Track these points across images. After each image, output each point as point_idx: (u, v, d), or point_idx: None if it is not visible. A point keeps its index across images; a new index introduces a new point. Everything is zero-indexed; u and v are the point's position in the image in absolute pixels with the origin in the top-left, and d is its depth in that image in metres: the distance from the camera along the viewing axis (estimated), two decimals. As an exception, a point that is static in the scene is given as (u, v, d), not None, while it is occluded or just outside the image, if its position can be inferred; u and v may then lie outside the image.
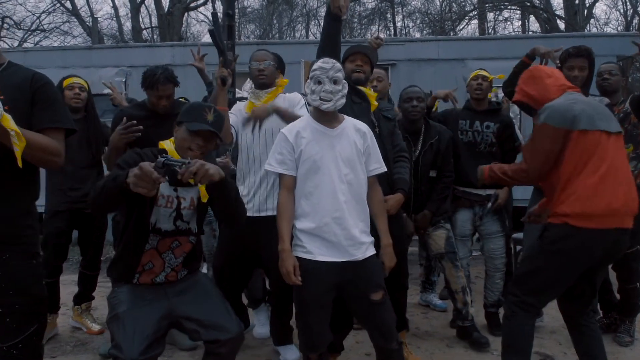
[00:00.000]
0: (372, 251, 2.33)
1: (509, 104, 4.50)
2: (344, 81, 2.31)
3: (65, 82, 3.43)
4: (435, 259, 3.45)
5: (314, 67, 2.29)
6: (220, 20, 2.92)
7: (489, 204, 3.47)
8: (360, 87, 2.90)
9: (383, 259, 2.35)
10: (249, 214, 2.57)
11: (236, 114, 2.90)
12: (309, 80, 2.31)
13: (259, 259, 2.91)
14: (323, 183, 2.24)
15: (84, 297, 3.65)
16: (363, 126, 2.39)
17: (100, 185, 1.96)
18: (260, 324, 3.56)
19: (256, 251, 2.86)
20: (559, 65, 3.24)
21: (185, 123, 2.17)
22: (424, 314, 3.95)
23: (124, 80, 6.87)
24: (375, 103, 2.94)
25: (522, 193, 4.16)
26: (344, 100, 2.29)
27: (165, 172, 1.83)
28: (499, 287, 3.54)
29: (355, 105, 2.77)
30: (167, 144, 2.23)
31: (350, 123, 2.36)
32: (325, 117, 2.30)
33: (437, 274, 4.26)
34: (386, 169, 2.45)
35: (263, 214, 2.81)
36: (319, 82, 2.26)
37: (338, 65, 2.30)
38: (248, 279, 3.22)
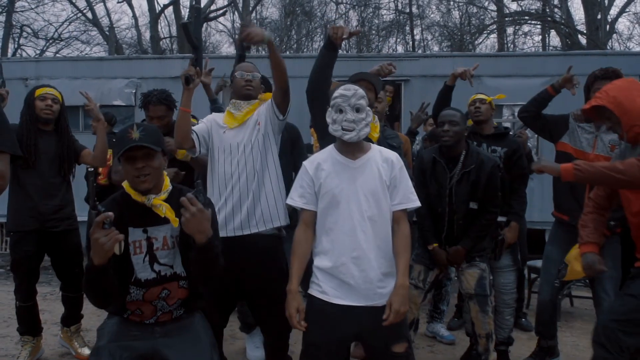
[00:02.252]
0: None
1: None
2: (368, 108, 2.15)
3: (38, 92, 3.22)
4: (465, 298, 3.23)
5: (335, 94, 2.14)
6: (202, 15, 2.80)
7: (501, 237, 3.29)
8: None
9: (392, 300, 2.05)
10: (222, 234, 2.41)
11: (207, 125, 2.71)
12: (329, 109, 2.17)
13: (241, 287, 2.64)
14: (342, 219, 2.07)
15: (71, 318, 3.45)
16: (392, 155, 2.19)
17: (85, 285, 1.93)
18: (254, 346, 3.42)
19: (237, 277, 2.58)
20: (576, 86, 3.09)
21: (117, 156, 2.02)
22: (430, 346, 3.75)
23: (134, 91, 6.85)
24: (376, 135, 2.79)
25: (539, 215, 3.95)
26: (368, 130, 2.13)
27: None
28: (509, 324, 3.36)
29: None
30: (125, 184, 2.09)
31: (376, 152, 2.18)
32: (348, 148, 2.14)
33: (447, 303, 4.07)
34: (418, 204, 2.18)
35: (238, 233, 2.58)
36: (341, 111, 2.11)
37: (361, 91, 2.13)
38: (227, 318, 2.95)
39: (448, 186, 2.99)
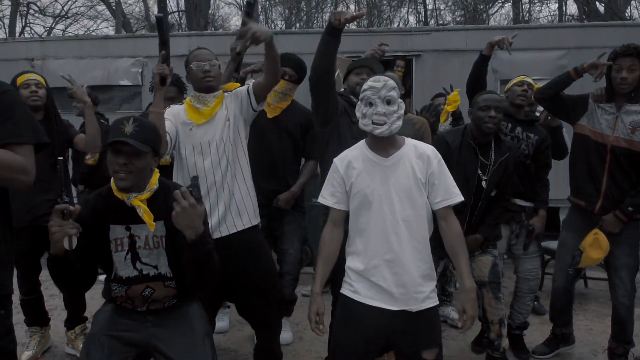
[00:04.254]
0: (432, 302, 2.01)
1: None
2: (400, 100, 2.03)
3: (19, 80, 3.05)
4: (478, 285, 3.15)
5: (364, 87, 2.04)
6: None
7: (525, 221, 3.23)
8: None
9: (465, 307, 2.00)
10: None
11: (172, 120, 2.55)
12: (359, 103, 2.06)
13: (225, 288, 2.57)
14: (374, 221, 1.99)
15: (74, 320, 3.36)
16: (428, 149, 2.08)
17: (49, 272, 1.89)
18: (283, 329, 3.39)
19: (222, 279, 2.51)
20: (597, 80, 2.91)
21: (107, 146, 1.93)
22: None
23: (140, 70, 6.74)
24: None
25: (554, 193, 3.82)
26: (400, 123, 2.01)
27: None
28: (529, 309, 3.34)
29: (355, 126, 2.50)
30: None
31: (411, 148, 2.06)
32: (380, 144, 2.03)
33: (454, 285, 4.00)
34: (462, 199, 2.08)
35: (216, 235, 2.47)
36: (370, 104, 2.00)
37: (391, 82, 2.01)
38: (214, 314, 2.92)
39: (483, 175, 2.87)
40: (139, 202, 1.95)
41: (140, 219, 1.95)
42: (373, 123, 1.98)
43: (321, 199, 2.13)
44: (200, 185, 1.81)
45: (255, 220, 2.65)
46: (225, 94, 2.62)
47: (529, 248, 3.24)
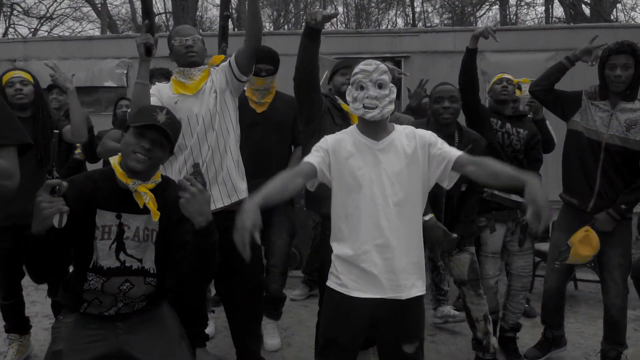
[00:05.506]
0: (418, 291, 1.96)
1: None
2: (391, 85, 1.98)
3: (4, 79, 2.94)
4: (457, 284, 3.11)
5: (355, 70, 1.98)
6: None
7: (520, 218, 3.19)
8: (344, 106, 2.66)
9: (535, 197, 1.67)
10: None
11: (158, 96, 2.50)
12: (349, 87, 2.00)
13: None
14: (364, 204, 1.91)
15: None
16: (410, 129, 2.02)
17: (23, 255, 1.79)
18: (269, 336, 3.36)
19: None
20: (592, 64, 2.91)
21: (130, 124, 1.90)
22: (431, 336, 3.64)
23: (125, 72, 6.64)
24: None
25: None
26: (392, 107, 1.96)
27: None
28: (521, 308, 3.30)
29: (336, 127, 2.45)
30: (114, 159, 1.95)
31: (400, 132, 2.01)
32: (371, 129, 1.97)
33: (447, 282, 3.95)
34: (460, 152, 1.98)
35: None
36: (362, 88, 1.94)
37: (383, 66, 1.97)
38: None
39: None
40: (145, 189, 1.89)
41: (133, 208, 1.90)
42: (364, 107, 1.93)
43: (306, 158, 2.00)
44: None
45: (244, 194, 2.58)
46: (212, 68, 2.58)
47: (524, 245, 3.20)
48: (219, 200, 2.47)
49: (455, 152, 1.97)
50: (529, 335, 3.49)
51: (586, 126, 2.92)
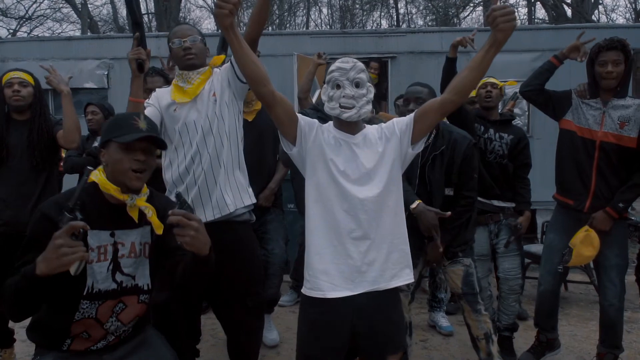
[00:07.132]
0: (400, 280, 1.87)
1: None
2: (369, 84, 1.89)
3: (4, 79, 2.84)
4: (455, 298, 3.01)
5: (331, 68, 1.89)
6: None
7: (503, 220, 3.19)
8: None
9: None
10: None
11: (155, 104, 2.39)
12: (325, 85, 1.90)
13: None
14: (341, 197, 1.83)
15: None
16: (376, 125, 1.99)
17: (10, 294, 1.57)
18: (266, 329, 3.30)
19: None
20: (581, 60, 2.88)
21: (114, 140, 1.71)
22: (423, 342, 3.56)
23: (106, 73, 6.48)
24: None
25: (534, 195, 3.75)
26: (369, 107, 1.88)
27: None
28: (514, 310, 3.26)
29: None
30: (95, 175, 1.77)
31: (371, 128, 1.96)
32: (347, 127, 1.90)
33: (444, 290, 3.89)
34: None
35: (210, 218, 2.32)
36: (338, 86, 1.86)
37: (360, 64, 1.87)
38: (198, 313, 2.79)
39: (417, 171, 2.69)
40: (144, 203, 1.76)
41: (124, 224, 1.76)
42: (340, 106, 1.84)
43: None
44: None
45: (249, 200, 2.47)
46: (215, 69, 2.43)
47: (509, 246, 3.18)
48: (224, 208, 2.35)
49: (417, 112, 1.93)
50: (522, 339, 3.43)
51: (579, 125, 2.88)
